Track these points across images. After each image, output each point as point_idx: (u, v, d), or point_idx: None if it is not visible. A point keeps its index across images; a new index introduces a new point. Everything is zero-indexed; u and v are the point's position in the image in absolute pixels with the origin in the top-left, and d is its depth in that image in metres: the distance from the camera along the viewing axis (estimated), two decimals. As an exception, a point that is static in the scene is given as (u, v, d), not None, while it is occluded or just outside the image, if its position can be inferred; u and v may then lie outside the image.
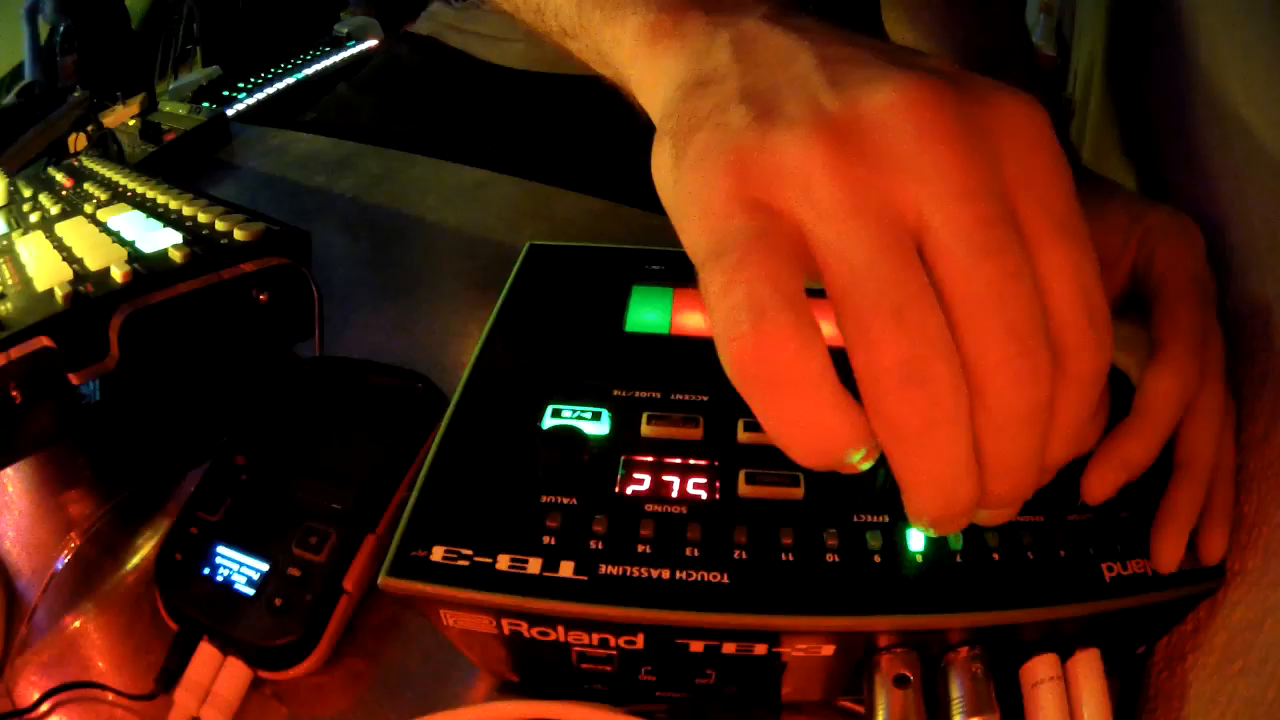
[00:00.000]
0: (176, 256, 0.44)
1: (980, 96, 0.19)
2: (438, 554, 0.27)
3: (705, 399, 0.32)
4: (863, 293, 0.18)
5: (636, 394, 0.33)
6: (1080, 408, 0.20)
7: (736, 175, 0.19)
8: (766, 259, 0.18)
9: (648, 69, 0.24)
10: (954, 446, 0.18)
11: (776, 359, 0.18)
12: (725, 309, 0.18)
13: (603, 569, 0.26)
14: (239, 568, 0.36)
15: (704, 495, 0.29)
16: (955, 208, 0.18)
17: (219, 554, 0.36)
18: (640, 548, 0.27)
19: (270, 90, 1.03)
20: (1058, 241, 0.19)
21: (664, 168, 0.21)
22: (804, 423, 0.19)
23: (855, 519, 0.28)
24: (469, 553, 0.27)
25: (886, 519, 0.28)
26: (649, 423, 0.31)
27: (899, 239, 0.18)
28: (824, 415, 0.18)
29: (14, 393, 0.37)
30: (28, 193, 0.65)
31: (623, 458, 0.30)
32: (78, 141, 0.78)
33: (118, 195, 0.58)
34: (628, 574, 0.26)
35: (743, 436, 0.31)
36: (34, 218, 0.57)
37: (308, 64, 1.12)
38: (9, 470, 0.48)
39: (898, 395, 0.18)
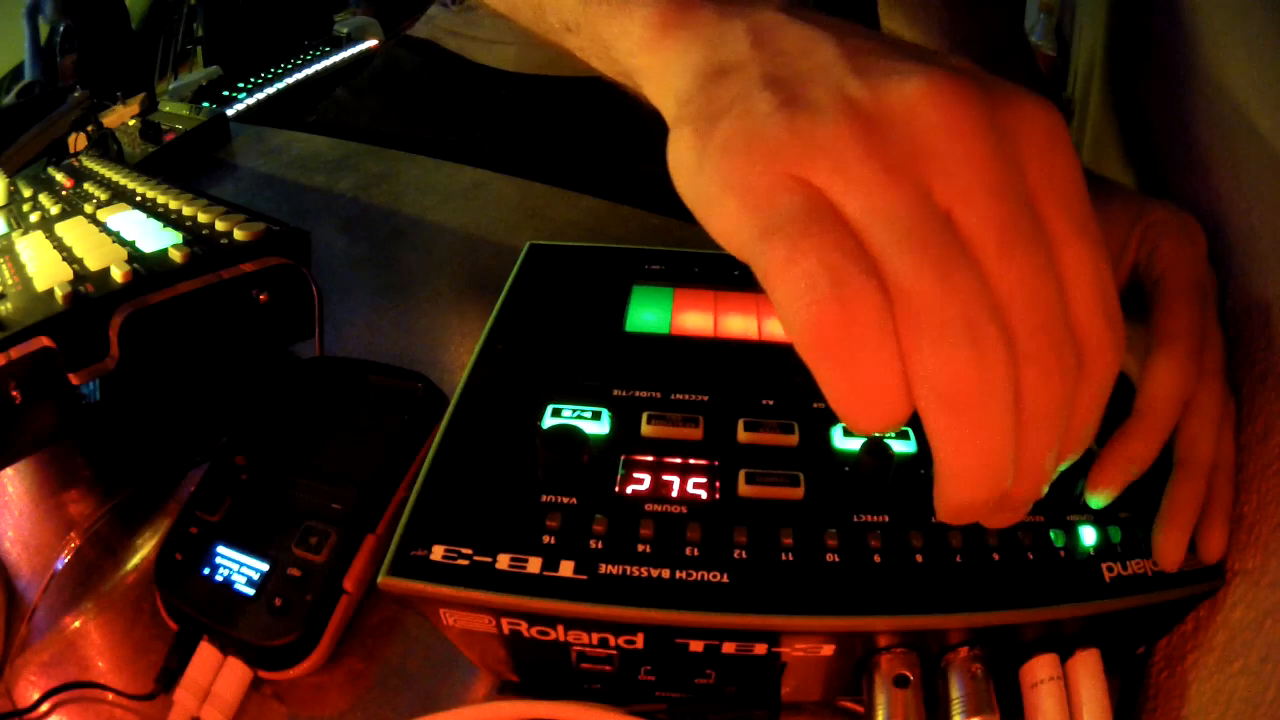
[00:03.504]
0: (176, 256, 0.44)
1: (1002, 97, 0.19)
2: (437, 553, 0.27)
3: (705, 399, 0.32)
4: (907, 256, 0.18)
5: (636, 394, 0.33)
6: (1095, 408, 0.20)
7: (770, 157, 0.19)
8: (829, 227, 0.18)
9: (656, 58, 0.24)
10: (1004, 417, 0.18)
11: (863, 319, 0.18)
12: (796, 278, 0.18)
13: (602, 569, 0.26)
14: (239, 568, 0.36)
15: (704, 495, 0.29)
16: (985, 202, 0.18)
17: (219, 554, 0.36)
18: (640, 547, 0.27)
19: (270, 90, 1.02)
20: (1078, 242, 0.19)
21: (684, 155, 0.21)
22: (879, 383, 0.18)
23: (855, 519, 0.28)
24: (469, 552, 0.27)
25: (887, 519, 0.28)
26: (649, 423, 0.31)
27: (935, 211, 0.18)
28: (899, 376, 0.18)
29: (14, 393, 0.37)
30: (28, 193, 0.65)
31: (623, 457, 0.30)
32: (78, 141, 0.78)
33: (118, 195, 0.58)
34: (627, 574, 0.26)
35: (743, 436, 0.31)
36: (34, 218, 0.57)
37: (308, 64, 1.12)
38: (9, 470, 0.48)
39: (949, 356, 0.18)
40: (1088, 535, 0.28)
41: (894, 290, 0.18)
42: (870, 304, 0.18)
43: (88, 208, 0.55)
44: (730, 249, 0.20)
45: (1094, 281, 0.19)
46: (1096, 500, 0.27)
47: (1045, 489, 0.20)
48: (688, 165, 0.21)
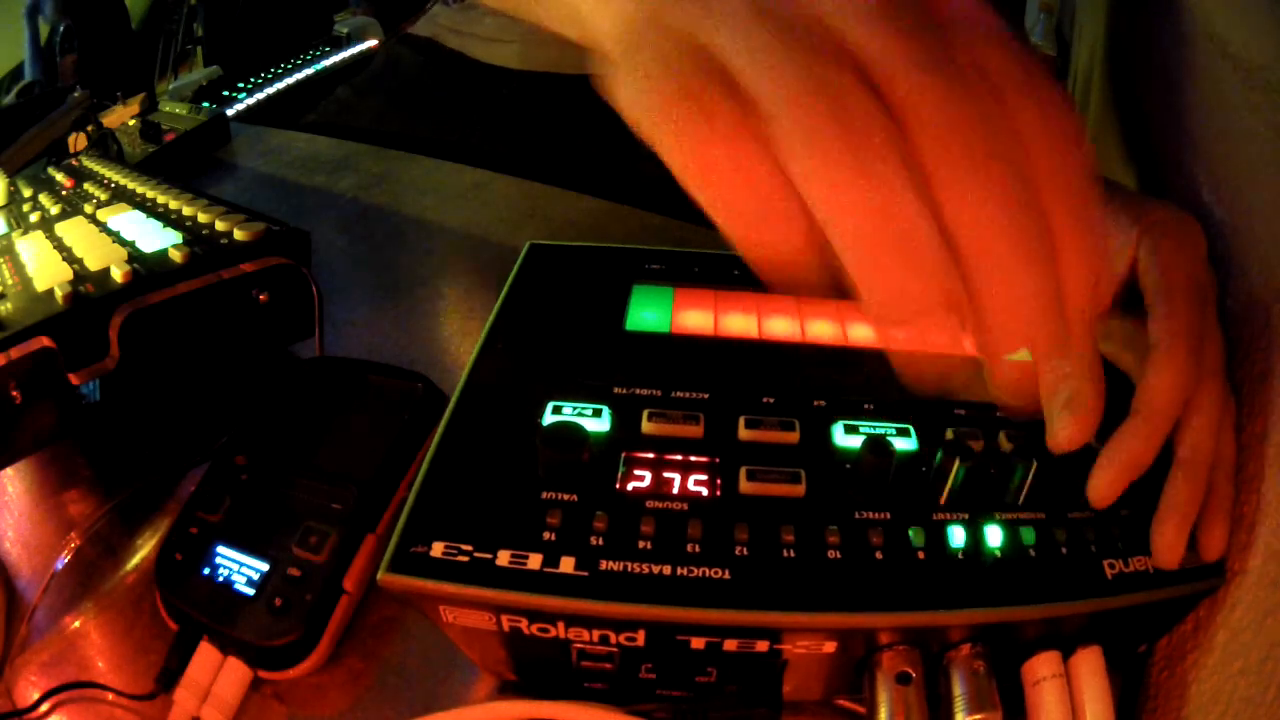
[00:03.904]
0: (176, 256, 0.44)
1: None
2: (437, 550, 0.27)
3: (705, 397, 0.32)
4: (770, 74, 0.18)
5: (637, 392, 0.33)
6: (1085, 237, 0.19)
7: (677, 31, 0.20)
8: (704, 68, 0.19)
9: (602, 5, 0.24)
10: (915, 245, 0.18)
11: (722, 122, 0.18)
12: (666, 106, 0.19)
13: (603, 565, 0.26)
14: (239, 568, 0.36)
15: (705, 492, 0.29)
16: (895, 40, 0.18)
17: (219, 554, 0.36)
18: (641, 544, 0.27)
19: (270, 90, 1.02)
20: (1023, 88, 0.18)
21: (623, 86, 0.21)
22: (762, 199, 0.19)
23: (856, 516, 0.28)
24: (469, 548, 0.27)
25: (888, 516, 0.28)
26: (649, 420, 0.31)
27: (822, 44, 0.18)
28: (781, 190, 0.18)
29: (14, 393, 0.37)
30: (28, 193, 0.65)
31: (623, 455, 0.30)
32: (78, 141, 0.78)
33: (118, 195, 0.58)
34: (628, 570, 0.26)
35: (743, 434, 0.31)
36: (34, 218, 0.57)
37: (308, 64, 1.12)
38: (9, 470, 0.48)
39: (831, 172, 0.18)
40: (1089, 532, 0.28)
41: (766, 108, 0.18)
42: (730, 110, 0.18)
43: (88, 208, 0.55)
44: (639, 132, 0.20)
45: (1041, 115, 0.18)
46: (1098, 501, 0.27)
47: (1052, 328, 0.19)
48: (625, 93, 0.21)
